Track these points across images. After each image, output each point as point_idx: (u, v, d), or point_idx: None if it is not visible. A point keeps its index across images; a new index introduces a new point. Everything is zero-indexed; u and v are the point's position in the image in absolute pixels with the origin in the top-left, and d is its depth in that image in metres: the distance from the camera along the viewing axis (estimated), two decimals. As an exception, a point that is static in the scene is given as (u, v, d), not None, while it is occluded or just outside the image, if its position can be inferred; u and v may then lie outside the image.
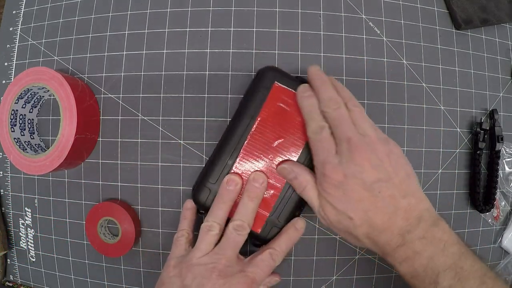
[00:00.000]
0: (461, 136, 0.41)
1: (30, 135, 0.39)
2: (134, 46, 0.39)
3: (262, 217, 0.33)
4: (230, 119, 0.35)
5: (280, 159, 0.33)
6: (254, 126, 0.33)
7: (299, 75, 0.36)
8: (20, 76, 0.37)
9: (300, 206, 0.34)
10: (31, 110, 0.39)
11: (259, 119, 0.33)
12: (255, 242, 0.34)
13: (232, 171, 0.33)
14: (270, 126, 0.33)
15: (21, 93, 0.36)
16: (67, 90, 0.35)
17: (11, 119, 0.37)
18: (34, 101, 0.39)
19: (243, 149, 0.33)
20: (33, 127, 0.40)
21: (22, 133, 0.38)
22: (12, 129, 0.37)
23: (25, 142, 0.38)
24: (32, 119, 0.40)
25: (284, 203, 0.33)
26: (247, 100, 0.33)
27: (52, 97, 0.40)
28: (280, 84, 0.33)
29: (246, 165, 0.33)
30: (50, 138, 0.41)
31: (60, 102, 0.35)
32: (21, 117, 0.38)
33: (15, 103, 0.37)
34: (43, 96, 0.40)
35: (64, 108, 0.35)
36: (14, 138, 0.37)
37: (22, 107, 0.38)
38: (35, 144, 0.39)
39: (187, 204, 0.35)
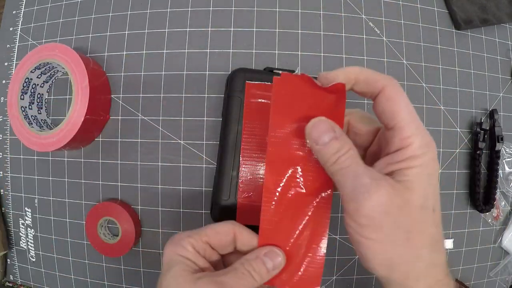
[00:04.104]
0: (461, 136, 0.41)
1: (38, 110, 0.39)
2: (134, 46, 0.39)
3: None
4: (220, 135, 0.35)
5: None
6: (244, 130, 0.33)
7: (267, 66, 0.37)
8: (38, 49, 0.37)
9: None
10: (42, 85, 0.39)
11: (245, 122, 0.33)
12: None
13: (240, 181, 0.32)
14: (258, 124, 0.32)
15: (40, 64, 0.36)
16: (81, 66, 0.35)
17: (23, 86, 0.37)
18: (50, 74, 0.39)
19: (242, 156, 0.32)
20: (41, 102, 0.40)
21: (30, 106, 0.38)
22: (22, 97, 0.37)
23: (31, 116, 0.38)
24: (42, 94, 0.40)
25: None
26: (227, 109, 0.33)
27: (64, 76, 0.40)
28: (252, 82, 0.33)
29: (251, 169, 0.32)
30: (56, 117, 0.41)
31: (72, 78, 0.35)
32: (33, 86, 0.38)
33: (31, 71, 0.37)
34: (58, 71, 0.39)
35: (76, 85, 0.35)
36: (22, 107, 0.37)
37: (37, 77, 0.38)
38: (41, 120, 0.39)
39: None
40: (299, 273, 0.24)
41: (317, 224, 0.24)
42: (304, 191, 0.24)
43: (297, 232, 0.24)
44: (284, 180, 0.24)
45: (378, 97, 0.22)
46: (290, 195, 0.24)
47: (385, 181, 0.20)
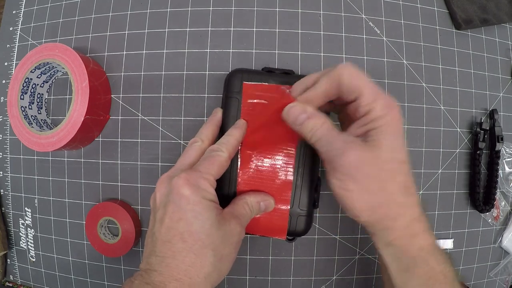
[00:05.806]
0: (461, 136, 0.41)
1: (38, 110, 0.39)
2: (134, 46, 0.39)
3: (285, 212, 0.32)
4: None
5: (279, 152, 0.32)
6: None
7: (265, 66, 0.36)
8: (38, 49, 0.37)
9: (316, 186, 0.33)
10: (42, 85, 0.39)
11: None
12: (288, 238, 0.33)
13: (238, 180, 0.32)
14: (257, 125, 0.32)
15: (40, 64, 0.37)
16: (81, 66, 0.35)
17: (23, 86, 0.37)
18: (50, 74, 0.39)
19: (241, 158, 0.32)
20: (41, 102, 0.40)
21: (30, 106, 0.38)
22: (22, 97, 0.37)
23: (31, 116, 0.38)
24: (42, 94, 0.40)
25: (299, 190, 0.32)
26: (225, 110, 0.33)
27: (64, 76, 0.41)
28: (249, 82, 0.33)
29: (249, 172, 0.32)
30: (56, 117, 0.41)
31: (72, 78, 0.35)
32: (33, 86, 0.38)
33: (31, 71, 0.37)
34: (58, 71, 0.40)
35: (76, 85, 0.35)
36: (22, 107, 0.37)
37: (37, 77, 0.38)
38: (41, 120, 0.39)
39: (217, 112, 0.33)
40: (269, 224, 0.32)
41: (283, 185, 0.32)
42: (271, 161, 0.32)
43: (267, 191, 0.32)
44: (256, 158, 0.32)
45: (342, 79, 0.26)
46: (260, 167, 0.32)
47: (354, 142, 0.25)
